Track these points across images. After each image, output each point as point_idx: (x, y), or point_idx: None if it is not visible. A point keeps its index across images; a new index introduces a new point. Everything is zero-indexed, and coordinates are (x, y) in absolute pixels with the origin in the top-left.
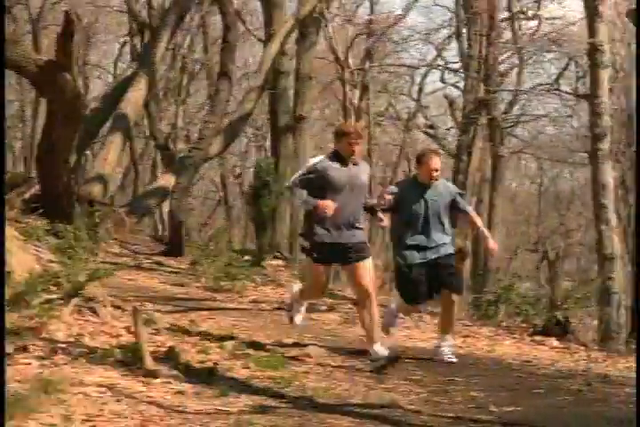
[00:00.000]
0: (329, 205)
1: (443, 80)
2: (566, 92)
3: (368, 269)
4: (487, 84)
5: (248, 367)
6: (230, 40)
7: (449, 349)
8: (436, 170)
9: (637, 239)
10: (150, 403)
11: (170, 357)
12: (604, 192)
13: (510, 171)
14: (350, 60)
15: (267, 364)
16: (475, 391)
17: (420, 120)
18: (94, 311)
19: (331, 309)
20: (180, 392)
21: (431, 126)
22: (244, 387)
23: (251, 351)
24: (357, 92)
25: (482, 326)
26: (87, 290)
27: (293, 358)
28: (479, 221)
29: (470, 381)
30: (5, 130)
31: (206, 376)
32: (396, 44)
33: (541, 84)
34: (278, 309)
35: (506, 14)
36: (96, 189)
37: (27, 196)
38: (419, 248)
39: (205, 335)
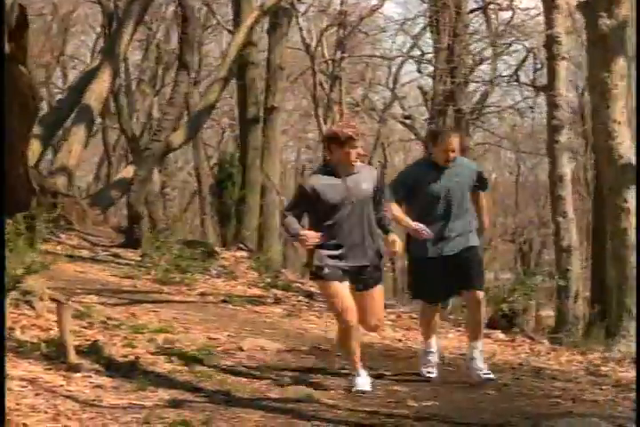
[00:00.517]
0: (309, 237)
1: (419, 70)
2: (525, 84)
3: (379, 299)
4: (453, 75)
5: (171, 361)
6: (189, 32)
7: (481, 361)
8: (453, 151)
9: (594, 233)
10: (67, 397)
11: (93, 351)
12: (561, 184)
13: (489, 162)
14: (326, 51)
15: (192, 358)
16: (399, 386)
17: (398, 110)
18: (31, 305)
19: (277, 301)
20: (99, 386)
21: (408, 117)
22: (163, 381)
23: (181, 345)
24: (331, 83)
25: None
26: (26, 283)
27: (225, 351)
28: (484, 206)
29: (398, 375)
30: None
31: (127, 370)
32: (371, 35)
33: (502, 76)
34: (224, 301)
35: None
36: (60, 181)
37: None
38: (435, 239)
39: (140, 329)
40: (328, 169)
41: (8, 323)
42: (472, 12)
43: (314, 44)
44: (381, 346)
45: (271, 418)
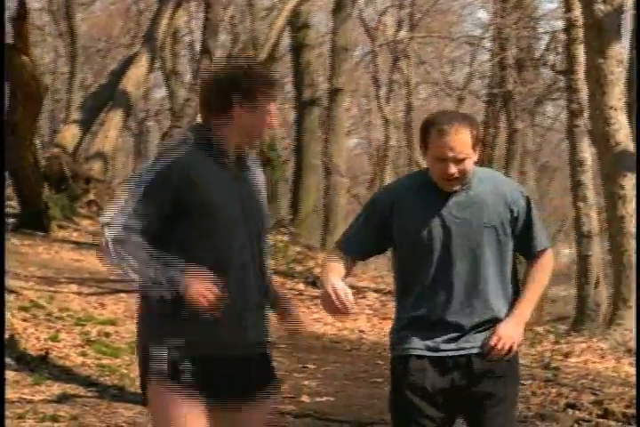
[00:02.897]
0: (206, 292)
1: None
2: (550, 68)
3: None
4: (503, 56)
5: (85, 355)
6: (211, 18)
7: None
8: (457, 159)
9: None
10: None
11: (10, 344)
12: (581, 169)
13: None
14: (402, 32)
15: (110, 351)
16: (313, 380)
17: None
18: None
19: None
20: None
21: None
22: (65, 375)
23: (117, 337)
24: (405, 63)
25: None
26: None
27: None
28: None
29: (322, 368)
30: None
31: (37, 364)
32: (443, 13)
33: (532, 59)
34: None
35: None
36: (96, 167)
37: None
38: (428, 327)
39: (84, 320)
40: (210, 145)
41: None
42: None
43: (373, 24)
44: (332, 337)
45: (146, 414)
